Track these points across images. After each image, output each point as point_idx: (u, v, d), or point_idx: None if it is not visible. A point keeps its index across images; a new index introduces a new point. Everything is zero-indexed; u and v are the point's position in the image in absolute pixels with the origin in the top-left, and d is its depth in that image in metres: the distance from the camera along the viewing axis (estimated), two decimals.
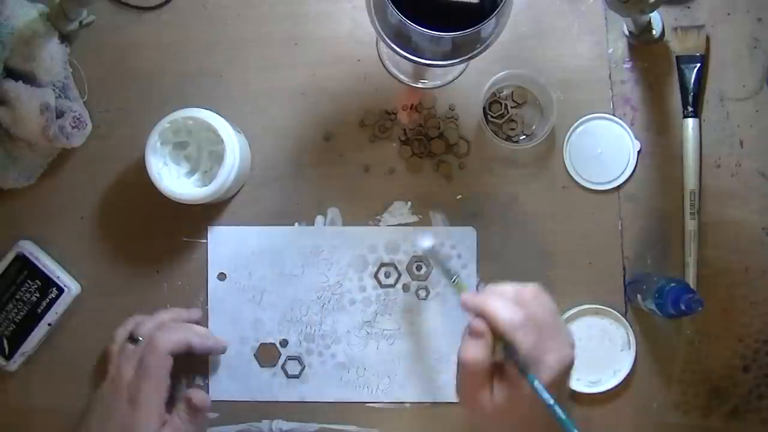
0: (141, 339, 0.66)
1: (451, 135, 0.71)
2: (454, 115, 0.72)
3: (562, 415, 0.52)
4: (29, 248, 0.70)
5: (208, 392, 0.71)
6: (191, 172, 0.69)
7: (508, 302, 0.55)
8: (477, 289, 0.71)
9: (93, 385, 0.71)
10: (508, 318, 0.54)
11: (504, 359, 0.55)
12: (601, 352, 0.70)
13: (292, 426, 0.71)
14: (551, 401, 0.52)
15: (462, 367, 0.55)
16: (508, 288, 0.57)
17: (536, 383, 0.52)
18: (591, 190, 0.71)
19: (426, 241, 0.67)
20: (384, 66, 0.72)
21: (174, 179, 0.67)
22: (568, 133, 0.71)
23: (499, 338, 0.55)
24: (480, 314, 0.56)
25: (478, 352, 0.55)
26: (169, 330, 0.66)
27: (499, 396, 0.55)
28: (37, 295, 0.70)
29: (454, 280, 0.63)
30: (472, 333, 0.55)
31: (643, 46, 0.72)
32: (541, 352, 0.54)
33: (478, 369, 0.55)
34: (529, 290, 0.57)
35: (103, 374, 0.67)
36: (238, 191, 0.72)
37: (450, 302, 0.71)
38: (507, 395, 0.54)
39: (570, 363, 0.55)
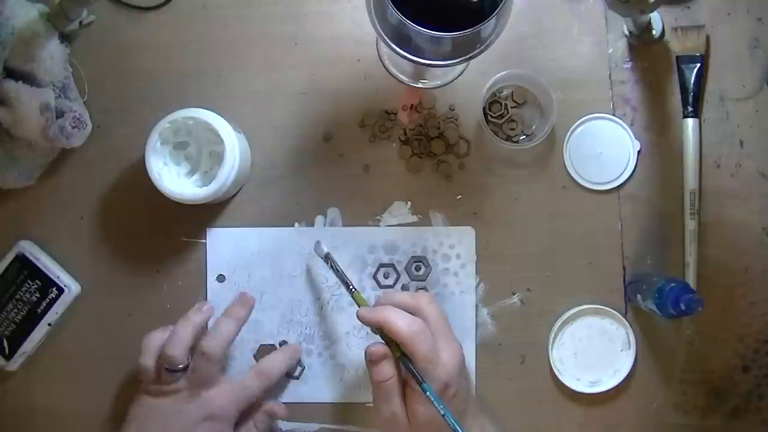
0: (177, 369, 0.64)
1: (451, 135, 0.71)
2: (454, 115, 0.72)
3: (456, 426, 0.56)
4: (29, 248, 0.70)
5: None
6: (191, 173, 0.69)
7: (403, 313, 0.60)
8: (476, 290, 0.71)
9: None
10: (406, 328, 0.58)
11: (404, 372, 0.59)
12: (601, 352, 0.70)
13: (293, 426, 0.71)
14: (443, 411, 0.56)
15: (376, 391, 0.60)
16: (402, 297, 0.62)
17: (430, 392, 0.57)
18: (591, 190, 0.71)
19: (323, 246, 0.68)
20: (384, 66, 0.72)
21: (174, 179, 0.67)
22: (568, 133, 0.71)
23: (397, 351, 0.59)
24: (379, 326, 0.60)
25: (386, 371, 0.59)
26: (275, 359, 0.68)
27: (414, 408, 0.59)
28: (37, 295, 0.70)
29: (351, 291, 0.65)
30: (374, 357, 0.59)
31: (643, 46, 0.72)
32: (437, 354, 0.59)
33: (390, 386, 0.59)
34: (423, 296, 0.62)
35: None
36: (238, 191, 0.72)
37: (448, 303, 0.71)
38: (419, 411, 0.59)
39: (461, 357, 0.61)
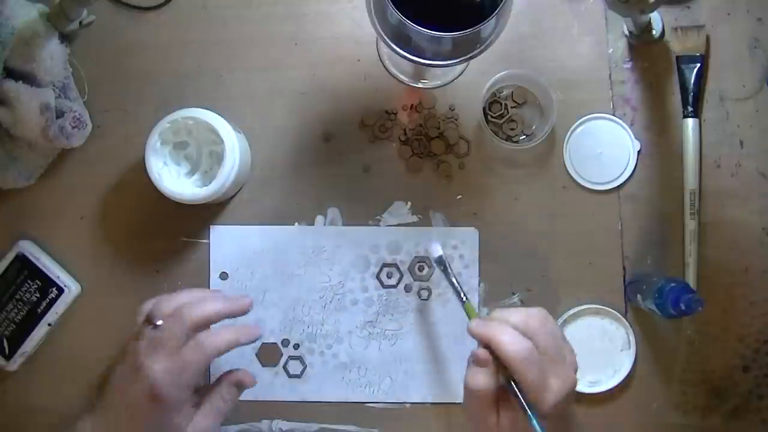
0: (160, 323, 0.60)
1: (451, 135, 0.71)
2: (454, 115, 0.72)
3: None
4: (29, 248, 0.70)
5: None
6: (191, 172, 0.69)
7: (514, 334, 0.56)
8: (478, 287, 0.71)
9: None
10: (513, 351, 0.55)
11: (507, 390, 0.56)
12: (601, 352, 0.70)
13: (292, 426, 0.71)
14: None
15: (467, 393, 0.57)
16: (515, 316, 0.58)
17: (535, 423, 0.54)
18: (591, 190, 0.71)
19: (437, 249, 0.66)
20: (384, 66, 0.72)
21: (174, 179, 0.68)
22: (568, 133, 0.71)
23: (504, 372, 0.56)
24: (487, 344, 0.56)
25: (482, 380, 0.56)
26: (217, 334, 0.62)
27: (504, 422, 0.56)
28: (37, 295, 0.70)
29: (463, 301, 0.63)
30: (476, 362, 0.56)
31: (643, 46, 0.72)
32: (544, 379, 0.55)
33: (482, 395, 0.56)
34: (536, 318, 0.58)
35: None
36: (238, 191, 0.72)
37: (452, 303, 0.71)
38: (511, 423, 0.56)
39: (572, 386, 0.57)
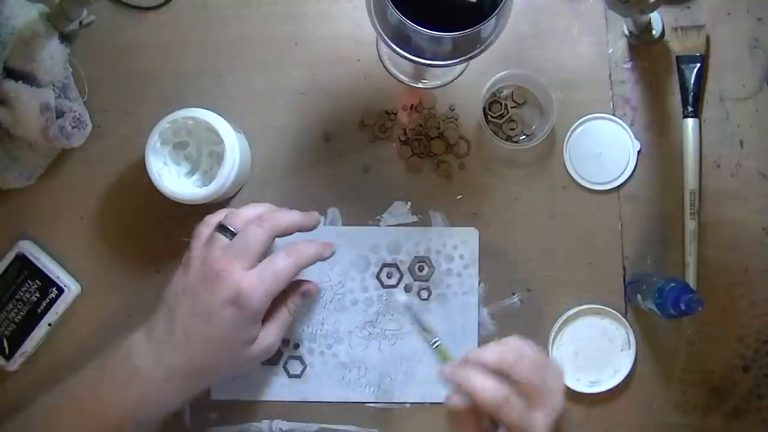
0: (235, 231, 0.60)
1: (451, 135, 0.71)
2: (454, 115, 0.72)
3: None
4: (29, 248, 0.70)
5: (209, 392, 0.71)
6: (191, 173, 0.69)
7: (488, 379, 0.54)
8: (478, 287, 0.71)
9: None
10: (489, 399, 0.53)
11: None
12: (601, 352, 0.70)
13: (292, 426, 0.71)
14: None
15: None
16: (488, 356, 0.55)
17: None
18: (591, 190, 0.71)
19: (401, 296, 0.67)
20: (384, 66, 0.72)
21: (174, 179, 0.68)
22: (568, 133, 0.71)
23: (485, 418, 0.55)
24: (462, 389, 0.55)
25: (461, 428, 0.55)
26: (307, 244, 0.62)
27: None
28: (37, 295, 0.70)
29: (435, 345, 0.61)
30: (452, 417, 0.55)
31: (643, 46, 0.72)
32: (529, 416, 0.53)
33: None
34: (512, 351, 0.55)
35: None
36: (238, 191, 0.72)
37: (451, 304, 0.71)
38: None
39: (560, 411, 0.55)
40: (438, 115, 0.72)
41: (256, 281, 0.58)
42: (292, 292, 0.65)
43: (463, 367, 0.56)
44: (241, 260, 0.58)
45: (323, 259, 0.64)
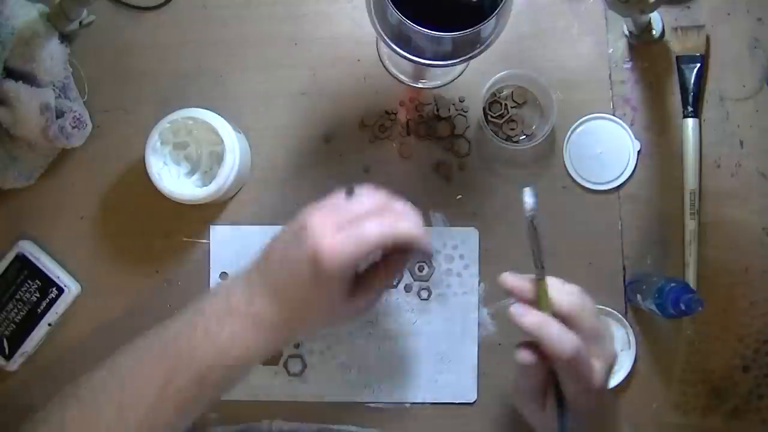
0: (357, 195, 0.56)
1: (459, 123, 0.71)
2: (464, 107, 0.72)
3: None
4: (29, 248, 0.70)
5: None
6: (191, 172, 0.69)
7: (562, 329, 0.53)
8: (478, 287, 0.71)
9: None
10: (565, 351, 0.53)
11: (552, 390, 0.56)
12: None
13: (292, 426, 0.71)
14: None
15: (516, 389, 0.58)
16: (565, 304, 0.55)
17: (566, 421, 0.54)
18: (591, 190, 0.71)
19: (530, 198, 0.56)
20: (384, 66, 0.72)
21: (174, 179, 0.68)
22: (568, 133, 0.71)
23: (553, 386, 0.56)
24: (535, 338, 0.54)
25: (527, 382, 0.56)
26: (407, 219, 0.56)
27: (551, 413, 0.56)
28: (37, 295, 0.70)
29: (539, 276, 0.57)
30: (522, 359, 0.55)
31: (643, 46, 0.72)
32: (589, 362, 0.54)
33: (531, 391, 0.56)
34: (577, 303, 0.56)
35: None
36: (238, 191, 0.72)
37: (451, 303, 0.71)
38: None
39: (613, 361, 0.57)
40: (447, 98, 0.72)
41: (338, 245, 0.53)
42: (387, 262, 0.59)
43: (537, 316, 0.55)
44: (338, 218, 0.55)
45: (418, 251, 0.57)
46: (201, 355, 0.55)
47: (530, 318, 0.54)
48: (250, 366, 0.57)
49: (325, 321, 0.59)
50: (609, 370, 0.56)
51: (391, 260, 0.59)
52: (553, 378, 0.56)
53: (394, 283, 0.63)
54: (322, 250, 0.53)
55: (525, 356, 0.55)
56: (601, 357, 0.55)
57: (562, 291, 0.56)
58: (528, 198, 0.55)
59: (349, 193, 0.57)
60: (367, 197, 0.56)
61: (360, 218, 0.54)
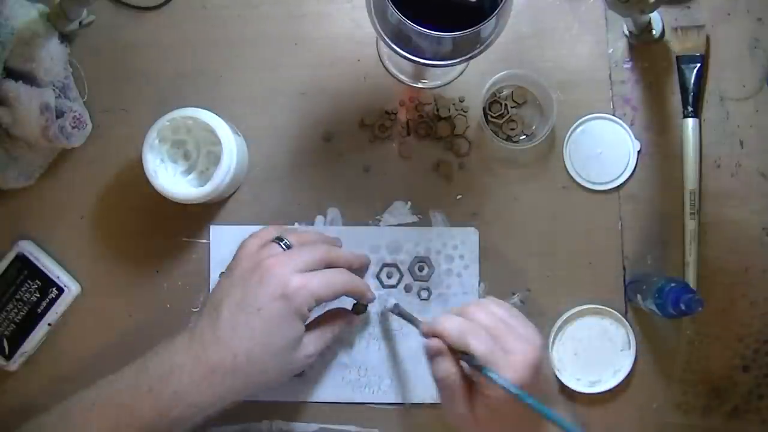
0: (291, 244, 0.63)
1: (458, 123, 0.71)
2: (464, 107, 0.72)
3: (529, 400, 0.53)
4: (29, 248, 0.70)
5: None
6: (188, 171, 0.69)
7: (453, 317, 0.59)
8: (478, 287, 0.71)
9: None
10: (454, 329, 0.58)
11: (470, 369, 0.58)
12: (601, 352, 0.70)
13: (292, 426, 0.71)
14: (513, 390, 0.53)
15: (439, 387, 0.59)
16: (453, 310, 0.61)
17: (494, 375, 0.55)
18: (591, 190, 0.71)
19: (390, 300, 0.68)
20: (384, 66, 0.72)
21: (170, 177, 0.67)
22: (568, 133, 0.71)
23: (457, 352, 0.58)
24: (434, 336, 0.59)
25: (443, 367, 0.58)
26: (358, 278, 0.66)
27: (480, 407, 0.57)
28: (37, 295, 0.70)
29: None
30: (430, 353, 0.59)
31: (643, 46, 0.72)
32: (501, 355, 0.56)
33: (451, 383, 0.58)
34: (476, 305, 0.61)
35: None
36: (235, 192, 0.72)
37: (452, 303, 0.71)
38: (485, 404, 0.57)
39: (536, 360, 0.56)
40: (447, 97, 0.72)
41: (305, 281, 0.60)
42: (339, 318, 0.67)
43: (433, 319, 0.60)
44: (294, 265, 0.61)
45: (366, 302, 0.68)
46: (146, 411, 0.57)
47: (428, 323, 0.61)
48: (203, 416, 0.59)
49: (281, 364, 0.61)
50: (531, 370, 0.56)
51: (341, 312, 0.67)
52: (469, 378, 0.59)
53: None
54: (291, 286, 0.59)
55: (431, 341, 0.58)
56: (516, 353, 0.56)
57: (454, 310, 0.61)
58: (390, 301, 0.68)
59: (278, 240, 0.63)
60: (311, 250, 0.62)
61: (316, 265, 0.62)
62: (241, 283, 0.60)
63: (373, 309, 0.71)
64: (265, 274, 0.60)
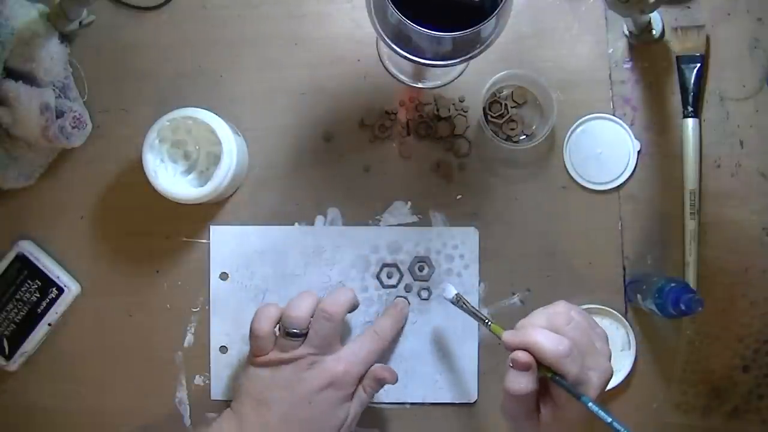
0: (299, 333, 0.64)
1: (459, 123, 0.71)
2: (464, 107, 0.72)
3: (621, 428, 0.52)
4: (29, 248, 0.70)
5: (209, 392, 0.71)
6: (188, 171, 0.69)
7: (548, 333, 0.55)
8: (478, 287, 0.71)
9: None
10: (553, 350, 0.54)
11: (551, 383, 0.55)
12: None
13: None
14: (609, 419, 0.52)
15: (509, 397, 0.56)
16: (541, 318, 0.57)
17: (591, 405, 0.53)
18: (591, 190, 0.71)
19: (450, 291, 0.66)
20: (384, 66, 0.72)
21: (170, 177, 0.67)
22: (568, 133, 0.71)
23: (548, 371, 0.55)
24: (525, 349, 0.55)
25: (524, 383, 0.55)
26: (385, 322, 0.68)
27: (546, 416, 0.56)
28: (37, 295, 0.70)
29: (488, 324, 0.62)
30: (517, 365, 0.55)
31: (643, 46, 0.72)
32: (585, 374, 0.55)
33: (525, 398, 0.55)
34: (561, 314, 0.57)
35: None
36: (234, 192, 0.72)
37: (451, 304, 0.71)
38: (553, 415, 0.56)
39: (609, 376, 0.56)
40: (447, 97, 0.72)
41: (349, 365, 0.64)
42: (370, 375, 0.67)
43: (521, 329, 0.57)
44: (326, 351, 0.64)
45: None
46: None
47: (515, 333, 0.57)
48: None
49: None
50: (605, 386, 0.56)
51: (368, 373, 0.67)
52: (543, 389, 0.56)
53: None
54: (338, 374, 0.63)
55: (521, 355, 0.55)
56: (596, 370, 0.55)
57: (541, 312, 0.58)
58: (449, 291, 0.66)
59: (290, 336, 0.64)
60: (323, 325, 0.64)
61: (335, 339, 0.65)
62: (286, 384, 0.63)
63: (372, 309, 0.71)
64: (308, 370, 0.63)
